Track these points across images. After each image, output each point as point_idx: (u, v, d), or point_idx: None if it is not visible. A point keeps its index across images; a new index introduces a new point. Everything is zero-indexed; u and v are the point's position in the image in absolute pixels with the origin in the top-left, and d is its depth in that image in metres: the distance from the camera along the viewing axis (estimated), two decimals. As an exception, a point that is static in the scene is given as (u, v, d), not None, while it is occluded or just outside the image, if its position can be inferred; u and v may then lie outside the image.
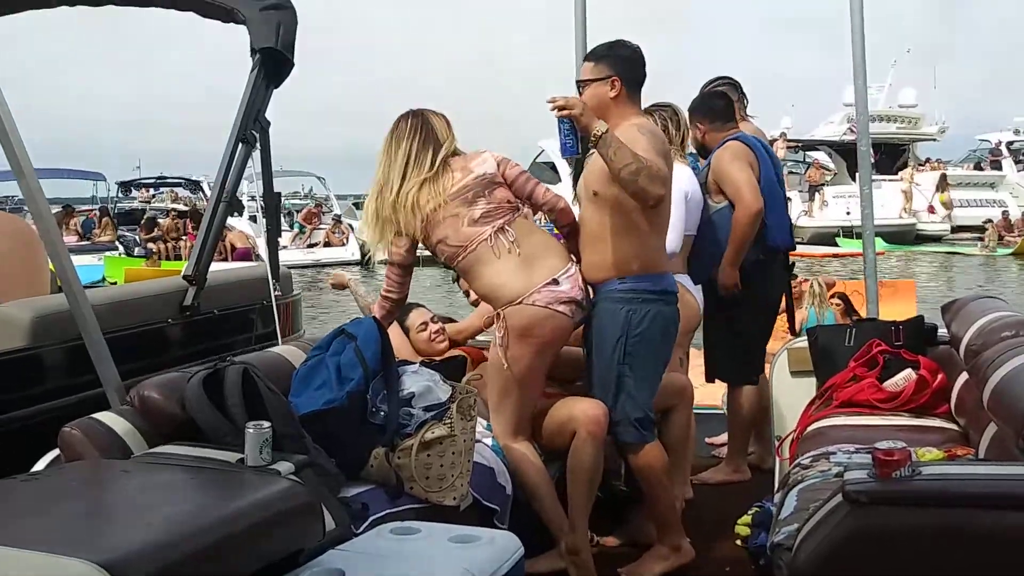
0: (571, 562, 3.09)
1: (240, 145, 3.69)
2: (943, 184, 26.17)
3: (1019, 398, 2.30)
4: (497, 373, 3.14)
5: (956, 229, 26.06)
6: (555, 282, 3.03)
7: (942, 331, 3.55)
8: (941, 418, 3.20)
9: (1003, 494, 1.99)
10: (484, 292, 3.18)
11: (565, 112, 2.96)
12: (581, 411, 3.14)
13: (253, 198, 5.51)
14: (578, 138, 3.02)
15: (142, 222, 22.67)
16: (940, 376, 3.30)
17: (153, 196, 28.96)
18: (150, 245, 20.80)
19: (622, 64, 3.14)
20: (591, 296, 3.15)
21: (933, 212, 26.64)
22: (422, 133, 3.13)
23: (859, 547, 2.03)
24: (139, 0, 3.75)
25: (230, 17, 3.73)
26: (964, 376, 3.10)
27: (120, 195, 27.05)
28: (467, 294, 4.12)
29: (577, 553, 3.09)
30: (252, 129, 3.68)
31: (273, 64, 3.71)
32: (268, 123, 3.79)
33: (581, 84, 3.18)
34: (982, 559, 1.96)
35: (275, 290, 4.05)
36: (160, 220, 22.77)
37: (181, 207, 25.02)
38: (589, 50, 3.24)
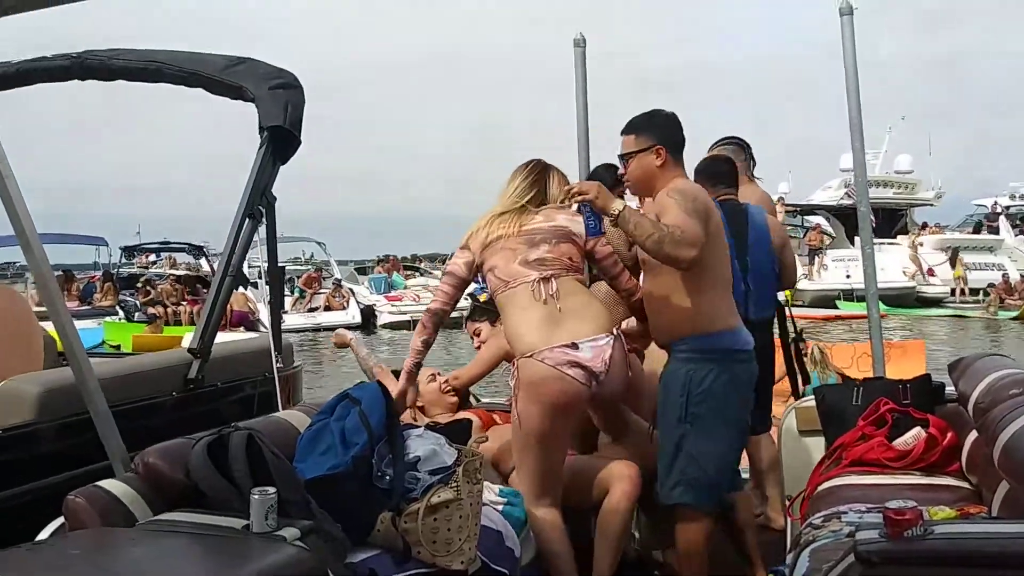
0: None
1: (247, 220, 3.73)
2: (955, 258, 26.42)
3: None
4: (515, 430, 3.18)
5: (954, 292, 26.15)
6: (574, 346, 3.05)
7: (950, 389, 3.54)
8: (952, 476, 3.17)
9: (1017, 553, 1.96)
10: (508, 336, 3.24)
11: (581, 198, 3.08)
12: (617, 470, 3.18)
13: (253, 265, 5.57)
14: (599, 219, 3.15)
15: (138, 286, 22.84)
16: (950, 434, 3.27)
17: (153, 262, 29.07)
18: (150, 310, 20.87)
19: (663, 131, 3.21)
20: (625, 372, 3.17)
21: (933, 275, 26.74)
22: (534, 175, 3.30)
23: None
24: (149, 76, 3.82)
25: (238, 95, 3.80)
26: (974, 434, 3.08)
27: (123, 260, 27.20)
28: (473, 337, 4.13)
29: None
30: (259, 205, 3.73)
31: (281, 142, 3.77)
32: (274, 198, 3.85)
33: (626, 157, 3.24)
34: None
35: (277, 362, 4.06)
36: (158, 284, 22.93)
37: (180, 272, 25.18)
38: (626, 123, 3.27)
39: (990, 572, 1.96)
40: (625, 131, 3.27)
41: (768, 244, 4.21)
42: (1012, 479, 2.49)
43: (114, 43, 3.98)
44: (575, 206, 3.25)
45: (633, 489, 3.15)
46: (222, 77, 3.78)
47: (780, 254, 4.31)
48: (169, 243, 27.59)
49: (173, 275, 24.39)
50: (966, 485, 3.06)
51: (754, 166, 4.63)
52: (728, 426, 3.13)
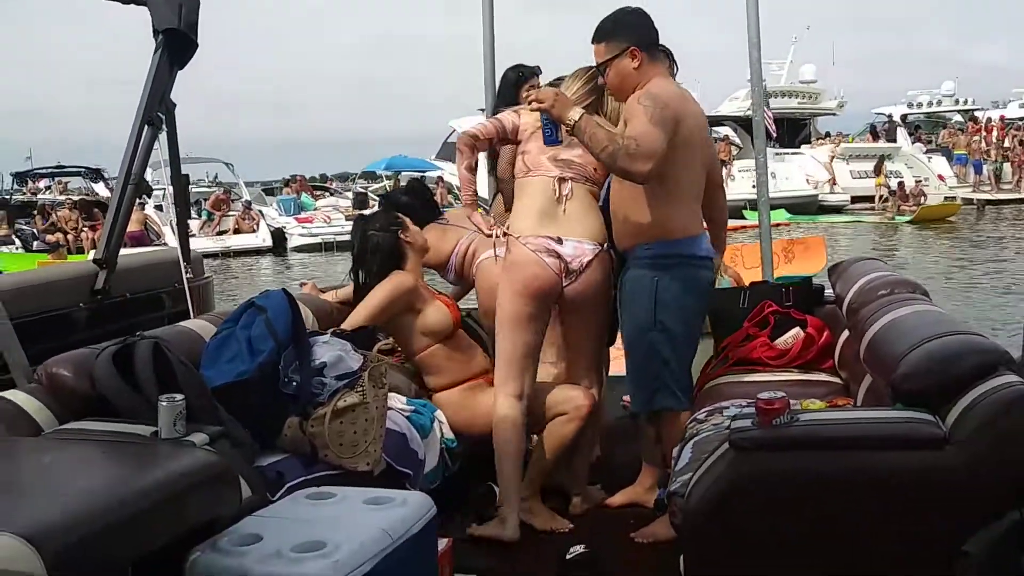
0: (525, 509, 3.27)
1: (146, 128, 3.66)
2: (880, 166, 27.11)
3: (889, 350, 2.48)
4: (497, 309, 3.29)
5: (855, 199, 27.06)
6: (559, 240, 3.21)
7: (829, 291, 3.77)
8: (826, 372, 3.40)
9: (868, 435, 2.18)
10: (512, 217, 3.36)
11: (538, 106, 3.05)
12: (572, 400, 3.30)
13: (159, 182, 5.45)
14: (556, 128, 3.10)
15: (35, 214, 21.80)
16: (826, 333, 3.50)
17: (44, 188, 27.66)
18: (49, 237, 20.06)
19: (634, 31, 3.16)
20: (600, 284, 3.25)
21: (833, 183, 27.60)
22: (593, 83, 3.32)
23: (744, 489, 2.20)
24: None
25: None
26: (846, 333, 3.31)
27: (15, 187, 25.99)
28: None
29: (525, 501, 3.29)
30: (158, 111, 3.66)
31: (176, 45, 3.68)
32: (174, 105, 3.78)
33: (601, 67, 3.19)
34: (849, 496, 2.15)
35: (187, 272, 4.05)
36: (57, 211, 21.96)
37: (74, 197, 24.10)
38: (594, 30, 3.20)
39: (844, 453, 2.18)
40: (594, 39, 3.20)
41: None
42: (873, 372, 2.71)
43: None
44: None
45: (583, 416, 3.29)
46: None
47: None
48: (64, 167, 26.40)
49: (70, 200, 23.22)
50: (838, 380, 3.30)
51: (676, 71, 4.68)
52: (690, 327, 3.23)
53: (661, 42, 3.21)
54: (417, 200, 3.94)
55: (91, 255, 4.01)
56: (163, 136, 3.88)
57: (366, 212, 4.86)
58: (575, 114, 2.98)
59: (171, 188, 4.31)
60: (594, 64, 3.23)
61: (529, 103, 3.11)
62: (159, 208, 18.19)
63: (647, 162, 2.88)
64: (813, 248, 11.75)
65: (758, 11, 4.42)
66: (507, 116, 3.41)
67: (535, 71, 4.01)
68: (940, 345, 2.31)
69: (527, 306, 3.21)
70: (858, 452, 2.17)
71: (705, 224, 3.31)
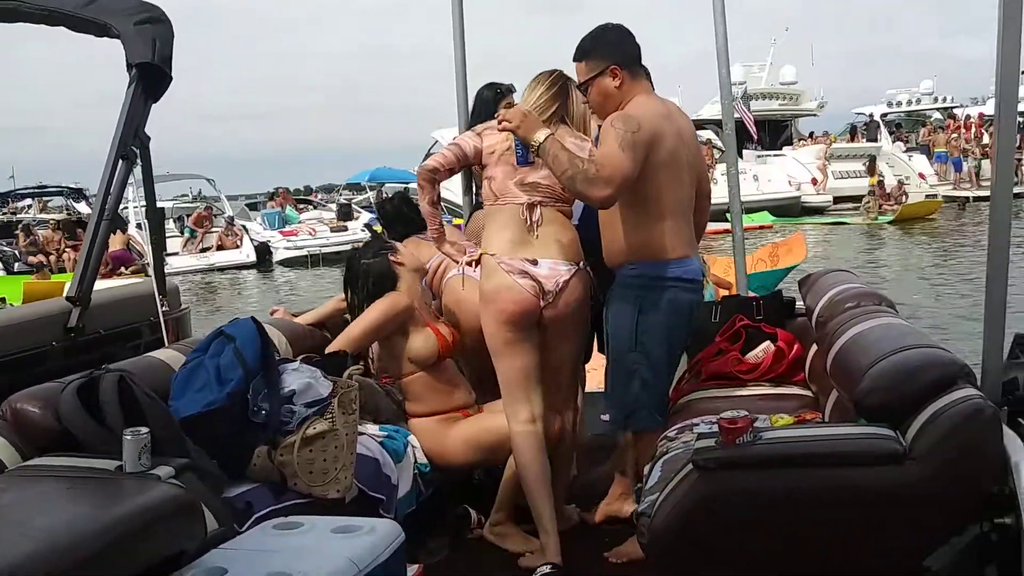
0: (497, 532, 3.32)
1: (120, 162, 3.65)
2: (873, 166, 27.24)
3: (853, 365, 2.50)
4: (486, 340, 3.25)
5: (837, 200, 27.20)
6: (534, 262, 3.15)
7: (800, 304, 3.78)
8: (798, 386, 3.41)
9: (828, 452, 2.20)
10: (483, 235, 3.30)
11: (504, 127, 3.04)
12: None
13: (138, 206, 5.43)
14: (527, 148, 3.08)
15: (17, 234, 21.57)
16: (796, 347, 3.51)
17: (27, 207, 27.43)
18: (31, 259, 19.91)
19: (614, 49, 3.14)
20: (579, 303, 3.20)
21: (815, 184, 27.74)
22: (555, 88, 3.23)
23: (708, 509, 2.21)
24: (5, 16, 3.66)
25: (104, 32, 3.68)
26: (815, 346, 3.32)
27: (-4, 208, 25.84)
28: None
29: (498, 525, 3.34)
30: (132, 145, 3.66)
31: (151, 79, 3.68)
32: (148, 138, 3.77)
33: (583, 86, 3.19)
34: (813, 513, 2.16)
35: (163, 305, 4.03)
36: (38, 230, 21.82)
37: (58, 216, 23.95)
38: (575, 49, 3.19)
39: (806, 471, 2.19)
40: (575, 58, 3.19)
41: None
42: (839, 386, 2.73)
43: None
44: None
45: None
46: (84, 14, 3.64)
47: None
48: (46, 187, 26.20)
49: (53, 220, 23.01)
50: (808, 393, 3.31)
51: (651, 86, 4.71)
52: (671, 350, 3.23)
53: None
54: (403, 210, 4.04)
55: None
56: (137, 169, 3.86)
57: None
58: (540, 135, 2.97)
59: (147, 222, 4.30)
60: (556, 71, 3.23)
61: (499, 123, 3.10)
62: (139, 227, 18.11)
63: (605, 187, 2.86)
64: (795, 245, 11.94)
65: (726, 29, 4.44)
66: (467, 140, 3.32)
67: (510, 88, 4.01)
68: (901, 359, 2.33)
69: (510, 332, 3.18)
70: (820, 469, 2.18)
71: None
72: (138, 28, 3.62)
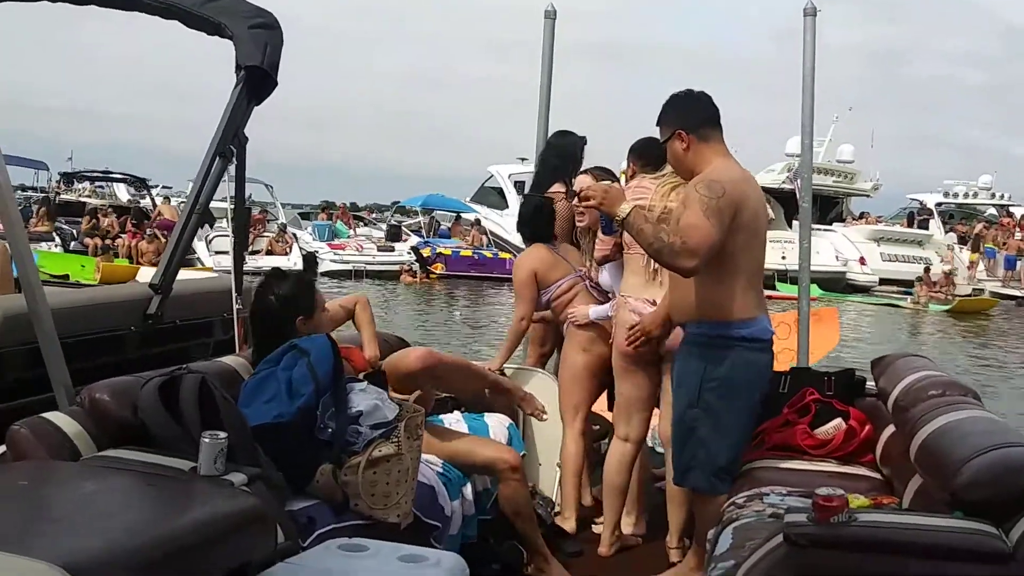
0: (539, 567, 3.44)
1: (217, 159, 3.70)
2: (978, 244, 27.08)
3: (947, 455, 2.43)
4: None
5: (883, 281, 26.93)
6: (653, 303, 3.54)
7: (870, 384, 3.71)
8: (866, 467, 3.33)
9: (931, 544, 2.12)
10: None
11: (587, 204, 3.20)
12: (500, 459, 3.36)
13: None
14: (612, 219, 3.22)
15: (86, 215, 22.20)
16: (868, 427, 3.43)
17: (94, 191, 28.03)
18: (87, 240, 20.35)
19: (679, 115, 3.21)
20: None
21: (864, 263, 27.52)
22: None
23: None
24: (122, 4, 3.73)
25: (217, 31, 3.73)
26: (890, 428, 3.24)
27: (62, 187, 26.32)
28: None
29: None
30: (231, 144, 3.70)
31: (257, 81, 3.73)
32: (246, 139, 3.81)
33: (662, 148, 3.32)
34: None
35: (237, 303, 4.06)
36: (102, 216, 22.34)
37: (125, 203, 24.50)
38: None
39: (905, 559, 2.11)
40: (656, 122, 3.32)
41: None
42: (925, 473, 2.65)
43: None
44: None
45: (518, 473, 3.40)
46: (202, 12, 3.69)
47: None
48: (111, 173, 26.65)
49: (104, 206, 23.62)
50: (878, 476, 3.23)
51: None
52: (740, 415, 3.17)
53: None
54: (537, 216, 4.24)
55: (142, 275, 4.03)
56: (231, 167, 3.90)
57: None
58: (623, 210, 3.06)
59: (232, 220, 4.33)
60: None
61: (580, 201, 3.26)
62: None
63: (691, 258, 2.95)
64: (826, 319, 11.42)
65: (813, 98, 4.46)
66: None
67: (584, 140, 4.38)
68: (1002, 455, 2.26)
69: (622, 361, 3.67)
70: (919, 560, 2.10)
71: None
72: (252, 32, 3.68)
